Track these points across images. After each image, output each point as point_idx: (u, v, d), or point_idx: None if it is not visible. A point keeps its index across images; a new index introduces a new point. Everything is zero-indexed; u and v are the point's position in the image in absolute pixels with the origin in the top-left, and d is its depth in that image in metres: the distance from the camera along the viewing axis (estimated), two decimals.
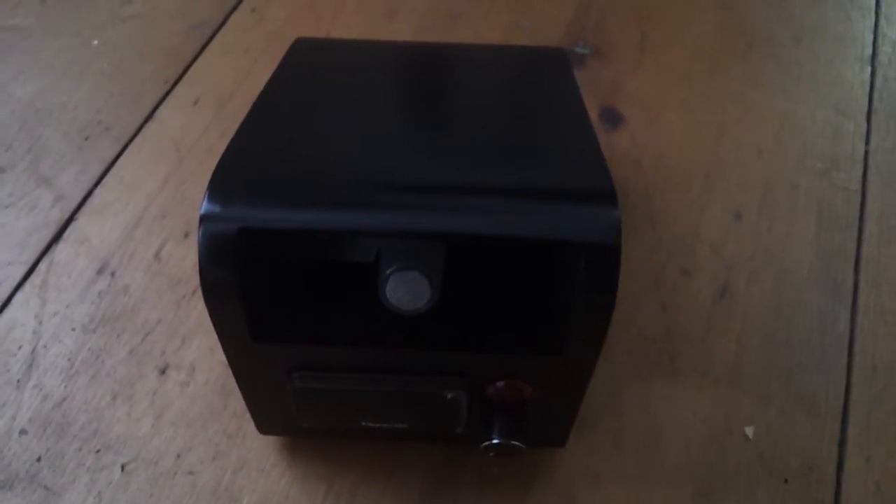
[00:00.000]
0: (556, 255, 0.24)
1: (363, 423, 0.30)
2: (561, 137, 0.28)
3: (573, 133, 0.28)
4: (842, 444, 0.35)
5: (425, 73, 0.35)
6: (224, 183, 0.24)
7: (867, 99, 0.49)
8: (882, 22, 0.54)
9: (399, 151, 0.27)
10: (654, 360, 0.37)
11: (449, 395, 0.27)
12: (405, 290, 0.23)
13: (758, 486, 0.33)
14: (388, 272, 0.22)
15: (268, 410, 0.30)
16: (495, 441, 0.28)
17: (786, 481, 0.34)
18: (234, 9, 0.51)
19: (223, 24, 0.50)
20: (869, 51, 0.52)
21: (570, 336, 0.25)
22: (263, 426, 0.31)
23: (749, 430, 0.35)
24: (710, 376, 0.36)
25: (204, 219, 0.23)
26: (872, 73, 0.50)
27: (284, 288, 0.26)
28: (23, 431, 0.34)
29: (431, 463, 0.33)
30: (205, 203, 0.23)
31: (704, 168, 0.44)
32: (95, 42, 0.49)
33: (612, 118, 0.46)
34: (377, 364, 0.27)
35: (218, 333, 0.25)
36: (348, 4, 0.52)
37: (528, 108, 0.31)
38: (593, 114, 0.46)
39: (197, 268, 0.38)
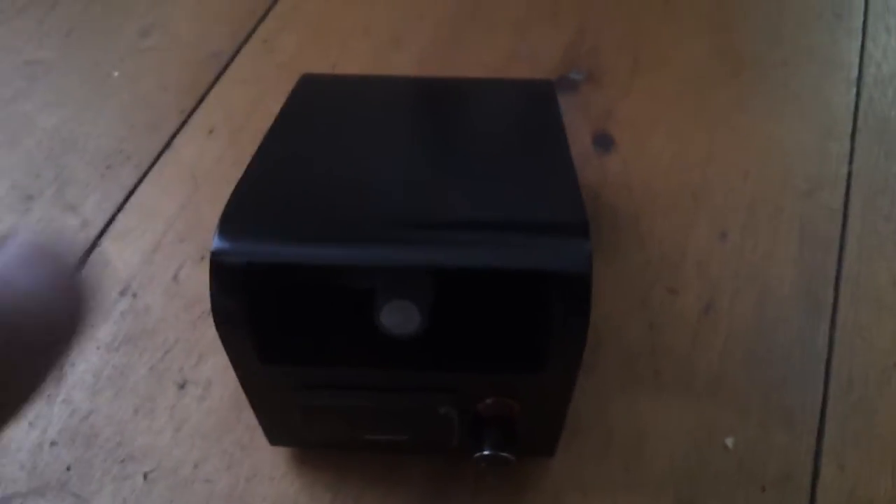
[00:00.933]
0: (533, 283, 0.26)
1: (365, 437, 0.32)
2: (542, 171, 0.31)
3: (553, 166, 0.31)
4: (817, 453, 0.37)
5: (420, 108, 0.37)
6: (233, 220, 0.26)
7: (852, 120, 0.51)
8: (868, 43, 0.55)
9: (393, 188, 0.29)
10: (641, 375, 0.39)
11: (441, 411, 0.30)
12: (398, 317, 0.25)
13: (736, 493, 0.35)
14: (382, 301, 0.25)
15: (277, 424, 0.33)
16: (486, 453, 0.30)
17: (763, 489, 0.36)
18: (246, 40, 0.54)
19: (236, 55, 0.53)
20: (855, 72, 0.53)
21: (551, 355, 0.28)
22: (273, 438, 0.34)
23: (729, 441, 0.37)
24: (693, 390, 0.38)
25: (214, 254, 0.25)
26: (857, 95, 0.52)
27: (289, 315, 0.28)
28: (53, 443, 0.37)
29: (430, 472, 0.35)
30: (215, 239, 0.26)
31: (692, 190, 0.46)
32: (116, 74, 0.52)
33: (605, 142, 0.49)
34: (375, 382, 0.29)
35: (229, 356, 0.28)
36: (355, 34, 0.54)
37: (513, 142, 0.34)
38: (586, 139, 0.49)
39: None
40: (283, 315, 0.28)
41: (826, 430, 0.38)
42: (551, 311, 0.26)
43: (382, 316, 0.25)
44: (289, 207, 0.28)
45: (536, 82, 0.40)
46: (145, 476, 0.36)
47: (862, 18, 0.57)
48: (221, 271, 0.25)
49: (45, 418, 0.37)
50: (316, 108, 0.36)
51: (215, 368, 0.39)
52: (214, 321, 0.26)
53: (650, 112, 0.50)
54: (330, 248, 0.26)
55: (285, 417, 0.32)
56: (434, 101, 0.38)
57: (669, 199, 0.46)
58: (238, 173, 0.30)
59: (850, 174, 0.47)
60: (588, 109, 0.50)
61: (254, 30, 0.54)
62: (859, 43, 0.55)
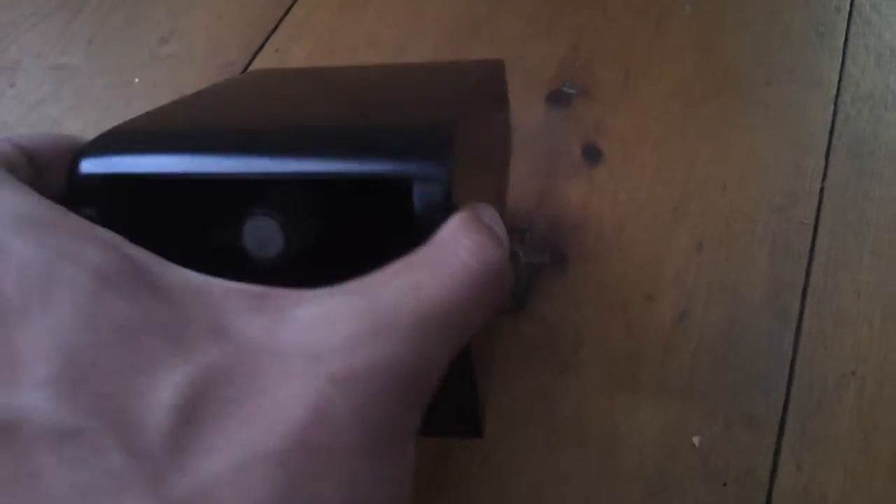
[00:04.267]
0: (392, 188, 0.23)
1: None
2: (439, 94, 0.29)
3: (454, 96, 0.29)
4: (776, 453, 0.40)
5: (345, 89, 0.35)
6: (97, 141, 0.26)
7: (828, 137, 0.53)
8: (848, 62, 0.58)
9: (264, 122, 0.27)
10: (619, 377, 0.42)
11: None
12: (259, 237, 0.23)
13: (700, 487, 0.38)
14: (243, 220, 0.23)
15: None
16: None
17: (724, 484, 0.39)
18: (260, 49, 0.56)
19: (250, 63, 0.55)
20: (833, 91, 0.56)
21: None
22: None
23: (696, 440, 0.40)
24: (665, 392, 0.41)
25: (71, 174, 0.24)
26: (835, 113, 0.54)
27: (150, 236, 0.24)
28: None
29: (420, 463, 0.38)
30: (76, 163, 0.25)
31: (673, 202, 0.49)
32: (137, 80, 0.55)
33: (594, 155, 0.51)
34: None
35: None
36: (362, 46, 0.57)
37: (419, 97, 0.31)
38: (577, 151, 0.51)
39: None
40: (144, 236, 0.24)
41: (786, 431, 0.40)
42: (412, 223, 0.23)
43: (245, 236, 0.23)
44: (157, 129, 0.26)
45: (488, 62, 0.38)
46: None
47: (843, 38, 0.59)
48: (76, 189, 0.24)
49: None
50: (239, 87, 0.34)
51: None
52: None
53: (638, 126, 0.53)
54: (184, 157, 0.24)
55: None
56: (376, 81, 0.36)
57: (652, 211, 0.48)
58: None
59: (822, 190, 0.50)
60: (579, 122, 0.53)
61: (266, 40, 0.57)
62: (840, 61, 0.57)
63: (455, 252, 0.20)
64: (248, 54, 0.56)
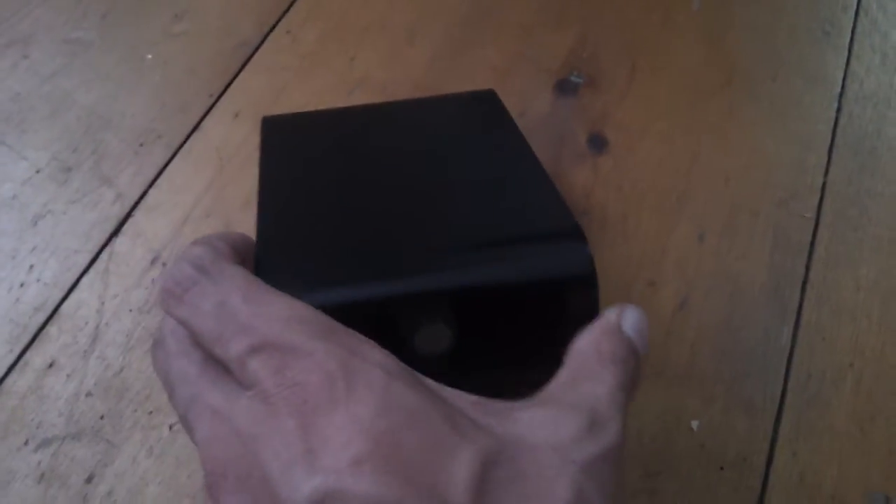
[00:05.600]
0: (546, 291, 0.29)
1: None
2: (520, 182, 0.33)
3: (529, 175, 0.33)
4: (773, 440, 0.40)
5: (384, 136, 0.39)
6: (269, 273, 0.27)
7: (831, 134, 0.53)
8: (853, 61, 0.58)
9: (393, 220, 0.31)
10: None
11: None
12: (431, 339, 0.27)
13: (697, 471, 0.39)
14: (415, 326, 0.27)
15: None
16: None
17: (721, 469, 0.39)
18: (272, 30, 0.56)
19: (261, 43, 0.55)
20: (838, 88, 0.56)
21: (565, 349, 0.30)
22: None
23: (694, 424, 0.40)
24: (664, 377, 0.41)
25: None
26: (838, 110, 0.54)
27: None
28: (89, 394, 0.40)
29: None
30: None
31: (676, 192, 0.49)
32: (149, 56, 0.54)
33: (599, 144, 0.51)
34: None
35: None
36: (373, 29, 0.56)
37: (483, 157, 0.36)
38: (582, 139, 0.51)
39: None
40: None
41: (783, 419, 0.41)
42: (564, 313, 0.29)
43: (418, 340, 0.27)
44: (314, 252, 0.29)
45: (480, 93, 0.42)
46: (170, 427, 0.39)
47: (849, 36, 0.59)
48: None
49: (81, 372, 0.40)
50: (290, 150, 0.37)
51: None
52: None
53: (644, 116, 0.53)
54: (365, 287, 0.27)
55: None
56: (396, 128, 0.40)
57: (655, 200, 0.48)
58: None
59: (824, 185, 0.50)
60: (585, 112, 0.53)
61: (278, 21, 0.56)
62: (845, 59, 0.58)
63: (605, 366, 0.25)
64: (261, 34, 0.56)
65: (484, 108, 0.41)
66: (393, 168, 0.36)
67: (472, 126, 0.40)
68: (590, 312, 0.29)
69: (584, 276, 0.29)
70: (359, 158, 0.37)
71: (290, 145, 0.38)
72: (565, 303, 0.29)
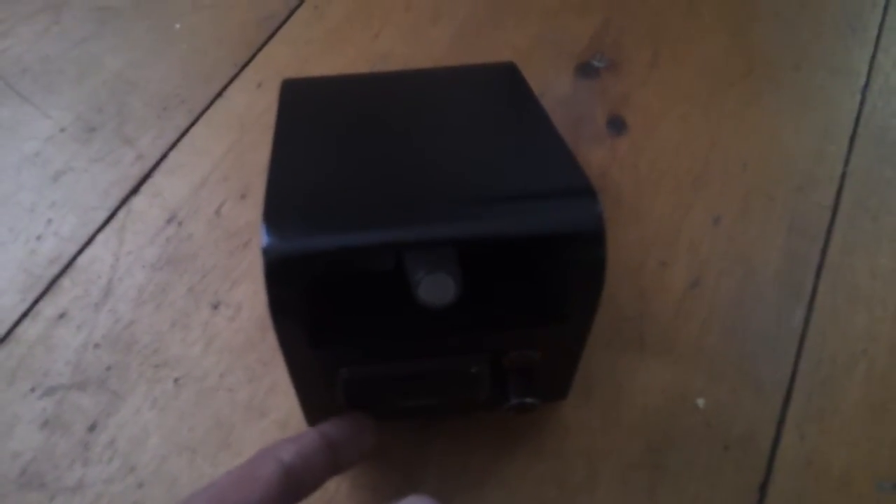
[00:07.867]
0: (554, 245, 0.28)
1: (402, 404, 0.33)
2: (536, 144, 0.32)
3: (545, 139, 0.33)
4: (780, 422, 0.38)
5: (405, 99, 0.38)
6: (276, 217, 0.27)
7: (853, 125, 0.51)
8: (880, 54, 0.56)
9: (408, 173, 0.31)
10: (627, 336, 0.41)
11: (473, 370, 0.31)
12: (436, 289, 0.26)
13: (701, 448, 0.37)
14: (420, 276, 0.26)
15: (317, 405, 0.33)
16: (514, 402, 0.32)
17: (726, 448, 0.37)
18: (299, 5, 0.56)
19: (288, 18, 0.55)
20: (863, 81, 0.54)
21: (572, 307, 0.30)
22: (312, 420, 0.34)
23: (700, 401, 0.39)
24: (672, 354, 0.40)
25: (267, 251, 0.26)
26: (862, 102, 0.53)
27: (336, 300, 0.29)
28: (97, 345, 0.39)
29: (455, 425, 0.38)
30: (265, 237, 0.26)
31: (693, 175, 0.47)
32: (178, 26, 0.54)
33: (618, 125, 0.50)
34: (414, 351, 0.30)
35: (280, 342, 0.28)
36: (398, 8, 0.56)
37: (501, 121, 0.35)
38: (601, 120, 0.50)
39: (249, 226, 0.43)
40: (332, 301, 0.29)
41: (792, 401, 0.39)
42: (571, 267, 0.28)
43: (421, 290, 0.26)
44: (322, 200, 0.29)
45: (501, 65, 0.41)
46: (175, 381, 0.38)
47: (877, 31, 0.57)
48: (276, 266, 0.26)
49: (91, 324, 0.40)
50: (308, 109, 0.37)
51: (246, 294, 0.41)
52: (271, 313, 0.27)
53: (664, 102, 0.51)
54: (371, 233, 0.27)
55: (326, 397, 0.31)
56: (415, 92, 0.39)
57: (671, 182, 0.47)
58: None
59: (843, 175, 0.48)
60: (605, 94, 0.52)
61: None
62: (871, 53, 0.56)
63: None
64: (288, 9, 0.55)
65: (504, 78, 0.40)
66: (408, 127, 0.35)
67: (491, 93, 0.39)
68: (596, 271, 0.28)
69: (592, 233, 0.28)
70: (375, 118, 0.36)
71: (307, 105, 0.37)
72: (572, 259, 0.28)
